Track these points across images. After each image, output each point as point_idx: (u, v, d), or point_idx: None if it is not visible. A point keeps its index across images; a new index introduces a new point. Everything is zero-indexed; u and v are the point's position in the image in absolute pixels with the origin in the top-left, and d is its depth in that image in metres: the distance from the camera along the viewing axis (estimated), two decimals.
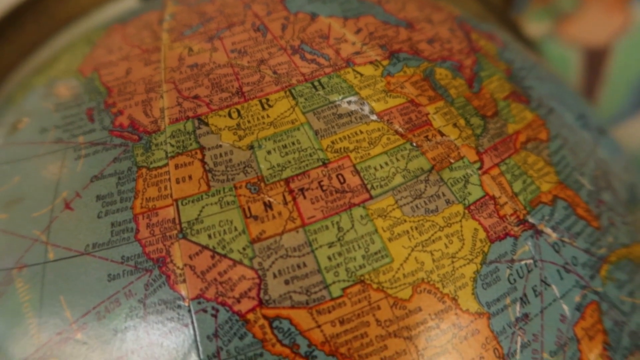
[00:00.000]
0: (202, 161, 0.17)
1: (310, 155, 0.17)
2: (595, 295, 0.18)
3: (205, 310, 0.15)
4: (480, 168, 0.18)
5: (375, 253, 0.16)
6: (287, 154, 0.17)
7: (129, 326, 0.15)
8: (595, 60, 0.51)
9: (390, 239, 0.16)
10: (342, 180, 0.17)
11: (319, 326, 0.15)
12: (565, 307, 0.17)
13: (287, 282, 0.15)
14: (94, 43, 0.22)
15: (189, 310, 0.15)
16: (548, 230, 0.18)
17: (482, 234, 0.17)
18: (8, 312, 0.17)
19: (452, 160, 0.18)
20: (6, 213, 0.18)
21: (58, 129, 0.19)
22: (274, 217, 0.16)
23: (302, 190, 0.16)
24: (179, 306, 0.15)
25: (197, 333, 0.15)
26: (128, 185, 0.17)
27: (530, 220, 0.18)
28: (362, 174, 0.17)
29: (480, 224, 0.17)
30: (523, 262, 0.17)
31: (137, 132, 0.18)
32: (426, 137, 0.18)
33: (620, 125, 0.51)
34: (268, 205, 0.16)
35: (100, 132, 0.18)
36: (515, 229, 0.17)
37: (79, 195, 0.17)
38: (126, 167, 0.17)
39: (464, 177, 0.17)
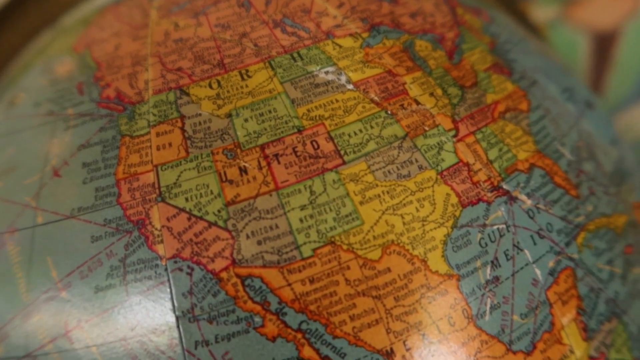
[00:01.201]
0: (182, 129, 0.17)
1: (286, 123, 0.17)
2: (571, 262, 0.18)
3: (181, 269, 0.16)
4: (455, 136, 0.18)
5: (346, 216, 0.16)
6: (263, 121, 0.17)
7: (110, 284, 0.16)
8: (604, 45, 0.50)
9: (361, 203, 0.16)
10: (316, 147, 0.17)
11: (289, 285, 0.15)
12: (537, 271, 0.17)
13: (259, 243, 0.16)
14: (89, 22, 0.23)
15: (166, 269, 0.16)
16: (523, 197, 0.18)
17: (454, 199, 0.17)
18: (0, 274, 0.17)
19: (426, 128, 0.18)
20: (1, 182, 0.19)
21: (50, 102, 0.20)
22: (248, 181, 0.16)
23: (276, 155, 0.17)
24: (157, 265, 0.16)
25: (173, 290, 0.15)
26: (112, 152, 0.18)
27: (505, 186, 0.18)
28: (335, 141, 0.17)
29: (452, 189, 0.17)
30: (495, 227, 0.17)
31: (122, 103, 0.18)
32: (402, 105, 0.18)
33: (629, 109, 0.50)
34: (243, 170, 0.17)
35: (88, 104, 0.19)
36: (489, 194, 0.17)
37: (67, 163, 0.18)
38: (111, 135, 0.18)
39: (438, 144, 0.18)
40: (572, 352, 0.17)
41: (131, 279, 0.16)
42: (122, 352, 0.15)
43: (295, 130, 0.17)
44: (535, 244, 0.17)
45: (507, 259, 0.17)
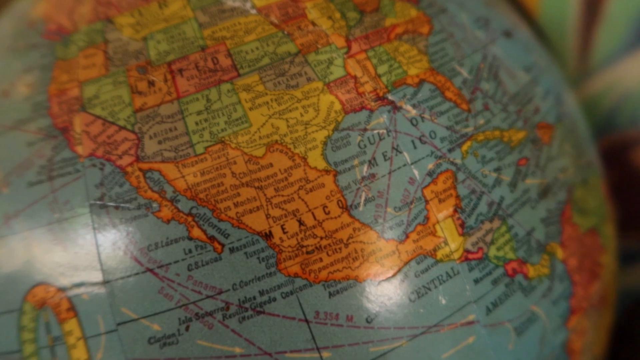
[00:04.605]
0: (105, 51, 0.20)
1: (192, 43, 0.20)
2: (452, 166, 0.19)
3: (94, 165, 0.18)
4: (346, 53, 0.20)
5: (237, 119, 0.18)
6: (173, 42, 0.20)
7: (39, 180, 0.19)
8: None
9: (250, 108, 0.18)
10: (215, 62, 0.19)
11: (183, 176, 0.18)
12: (415, 171, 0.19)
13: (160, 142, 0.18)
14: None
15: (83, 166, 0.18)
16: (408, 107, 0.20)
17: (337, 106, 0.19)
18: None
19: (319, 46, 0.20)
20: None
21: (9, 38, 0.23)
22: (155, 92, 0.19)
23: (180, 70, 0.19)
24: (76, 163, 0.19)
25: (87, 183, 0.18)
26: (48, 74, 0.20)
27: (390, 97, 0.19)
28: (234, 57, 0.19)
29: (337, 97, 0.19)
30: (375, 132, 0.19)
31: (61, 33, 0.21)
32: (299, 27, 0.20)
33: (618, 63, 0.50)
34: (151, 83, 0.19)
35: (35, 38, 0.22)
36: (373, 103, 0.19)
37: (13, 85, 0.21)
38: (49, 61, 0.21)
39: (329, 59, 0.19)
40: (446, 244, 0.19)
41: (55, 174, 0.19)
42: (48, 236, 0.18)
43: (200, 49, 0.19)
44: (415, 147, 0.19)
45: (385, 160, 0.19)
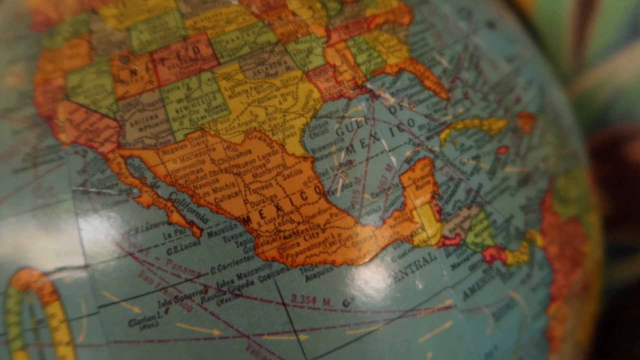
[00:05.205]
0: (89, 42, 0.20)
1: (174, 33, 0.20)
2: (430, 153, 0.20)
3: (77, 152, 0.19)
4: (326, 42, 0.20)
5: (216, 107, 0.19)
6: (155, 32, 0.20)
7: (24, 167, 0.19)
8: None
9: (230, 96, 0.19)
10: (196, 51, 0.20)
11: (163, 163, 0.18)
12: (393, 158, 0.19)
13: (141, 130, 0.19)
14: None
15: (66, 153, 0.19)
16: (386, 95, 0.20)
17: (316, 94, 0.19)
18: None
19: (299, 36, 0.20)
20: None
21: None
22: (136, 81, 0.19)
23: (162, 59, 0.19)
24: (59, 150, 0.19)
25: (70, 169, 0.19)
26: (33, 64, 0.21)
27: (369, 86, 0.20)
28: (214, 46, 0.20)
29: (316, 86, 0.19)
30: (354, 119, 0.19)
31: (47, 25, 0.22)
32: (279, 17, 0.20)
33: (613, 57, 0.50)
34: (133, 72, 0.19)
35: (22, 29, 0.22)
36: (351, 92, 0.19)
37: (1, 75, 0.21)
38: (34, 51, 0.21)
39: (308, 49, 0.20)
40: (423, 229, 0.19)
41: (39, 161, 0.19)
42: (32, 222, 0.19)
43: (181, 38, 0.20)
44: (393, 135, 0.19)
45: (363, 147, 0.19)
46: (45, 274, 0.18)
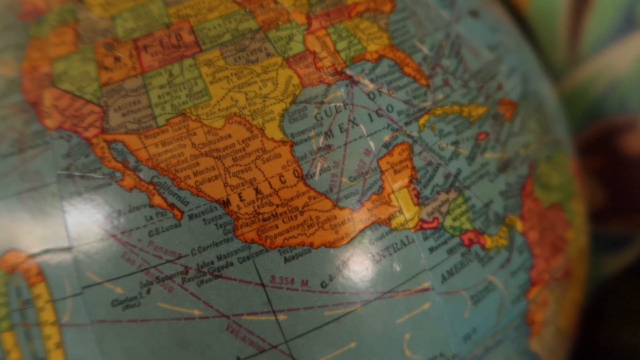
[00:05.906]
0: (75, 30, 0.21)
1: (157, 21, 0.20)
2: (408, 138, 0.20)
3: (62, 137, 0.19)
4: (306, 30, 0.20)
5: (197, 93, 0.19)
6: (139, 20, 0.20)
7: (11, 152, 0.20)
8: None
9: (211, 82, 0.19)
10: (179, 38, 0.20)
11: (145, 147, 0.19)
12: (371, 143, 0.20)
13: (124, 115, 0.19)
14: None
15: (51, 138, 0.19)
16: (365, 82, 0.20)
17: (296, 80, 0.20)
18: None
19: (280, 23, 0.20)
20: None
21: None
22: (120, 67, 0.20)
23: (145, 46, 0.20)
24: (45, 135, 0.19)
25: (55, 154, 0.19)
26: (21, 52, 0.21)
27: (348, 72, 0.20)
28: (196, 34, 0.20)
29: (296, 72, 0.20)
30: (332, 105, 0.20)
31: (35, 14, 0.22)
32: (261, 5, 0.21)
33: (607, 50, 0.50)
34: (117, 59, 0.20)
35: (11, 19, 0.23)
36: (330, 78, 0.20)
37: None
38: (23, 40, 0.22)
39: (289, 36, 0.20)
40: (401, 213, 0.19)
41: (26, 146, 0.19)
42: (19, 205, 0.19)
43: (164, 26, 0.20)
44: (372, 120, 0.20)
45: (341, 131, 0.19)
46: (32, 256, 0.19)
